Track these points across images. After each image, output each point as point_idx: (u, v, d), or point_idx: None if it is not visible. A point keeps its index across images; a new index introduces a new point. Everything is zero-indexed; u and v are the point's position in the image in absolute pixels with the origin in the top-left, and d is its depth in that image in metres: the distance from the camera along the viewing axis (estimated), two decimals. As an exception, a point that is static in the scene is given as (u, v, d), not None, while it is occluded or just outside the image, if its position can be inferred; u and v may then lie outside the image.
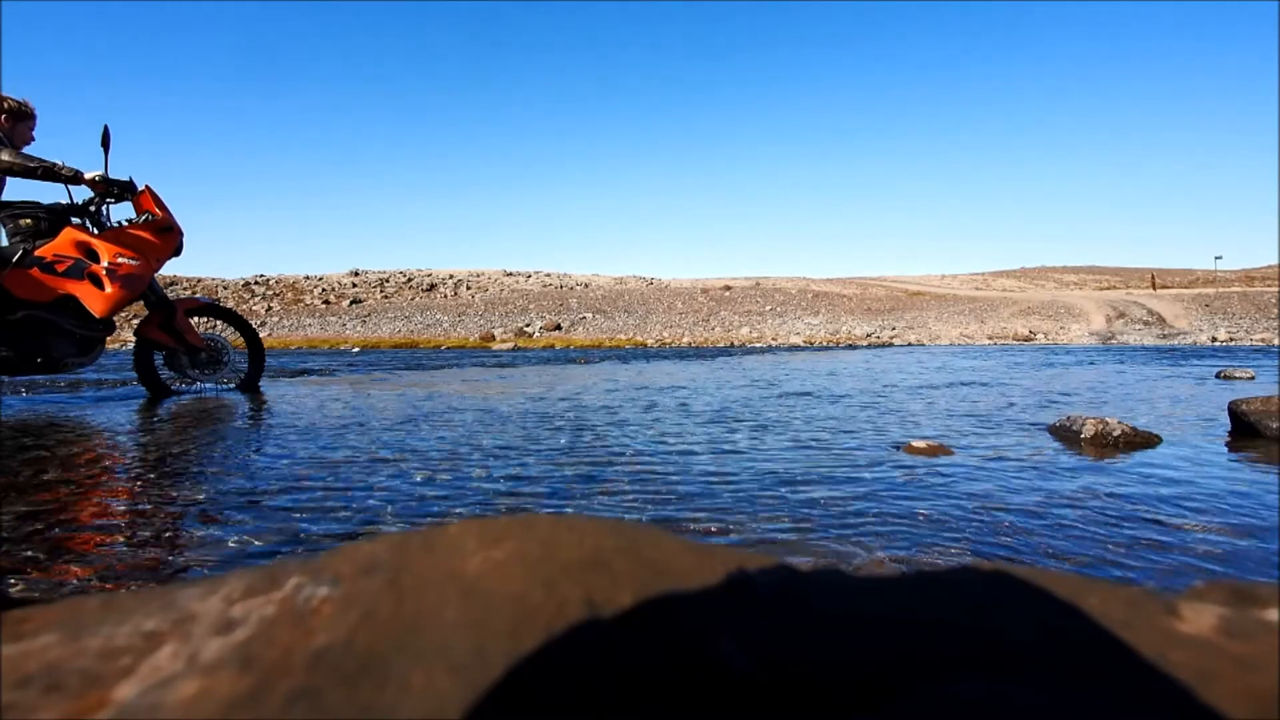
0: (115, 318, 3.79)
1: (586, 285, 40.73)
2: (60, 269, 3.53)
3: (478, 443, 2.40)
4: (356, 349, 19.48)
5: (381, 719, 0.31)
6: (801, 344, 21.65)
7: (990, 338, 24.52)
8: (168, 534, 1.35)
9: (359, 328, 28.22)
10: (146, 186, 3.94)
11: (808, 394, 4.30)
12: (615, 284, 41.64)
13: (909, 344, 21.33)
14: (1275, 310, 25.95)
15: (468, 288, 38.78)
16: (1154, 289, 39.97)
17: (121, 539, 1.32)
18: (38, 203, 3.68)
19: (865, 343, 22.68)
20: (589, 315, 30.15)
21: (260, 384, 4.72)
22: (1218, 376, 5.74)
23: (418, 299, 35.25)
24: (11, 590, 1.05)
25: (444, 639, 0.36)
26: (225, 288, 35.70)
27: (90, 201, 3.78)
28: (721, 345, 21.64)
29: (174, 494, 1.67)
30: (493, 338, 24.82)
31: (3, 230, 3.61)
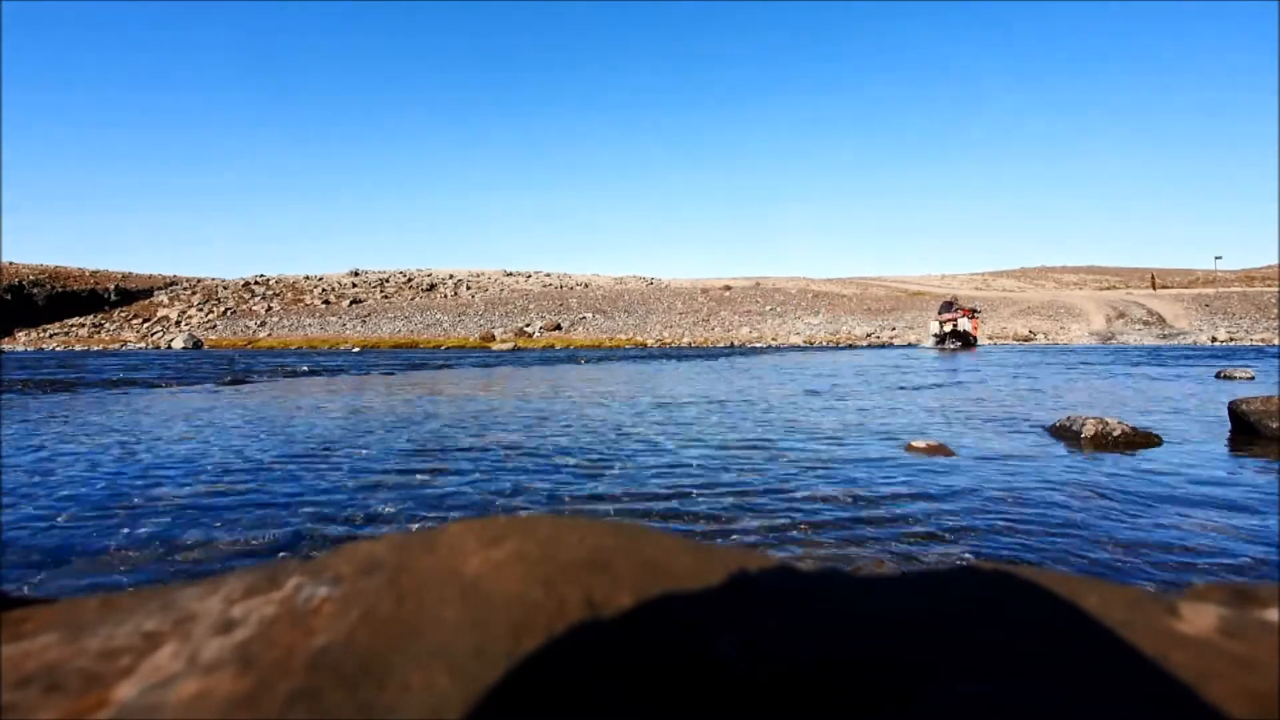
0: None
1: (586, 285, 40.69)
2: (974, 324, 22.80)
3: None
4: (356, 349, 19.44)
5: (381, 719, 0.31)
6: (801, 344, 21.63)
7: (990, 338, 24.49)
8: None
9: (359, 328, 28.19)
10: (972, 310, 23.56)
11: (812, 393, 4.29)
12: (615, 284, 41.60)
13: (909, 344, 21.30)
14: (1275, 310, 25.93)
15: (468, 288, 38.74)
16: (1154, 289, 39.94)
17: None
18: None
19: (865, 343, 22.65)
20: (589, 315, 30.13)
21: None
22: (1217, 376, 5.73)
23: (418, 299, 35.22)
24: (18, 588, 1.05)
25: (444, 639, 0.36)
26: (225, 288, 35.65)
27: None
28: (722, 345, 21.62)
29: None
30: (493, 338, 24.80)
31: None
